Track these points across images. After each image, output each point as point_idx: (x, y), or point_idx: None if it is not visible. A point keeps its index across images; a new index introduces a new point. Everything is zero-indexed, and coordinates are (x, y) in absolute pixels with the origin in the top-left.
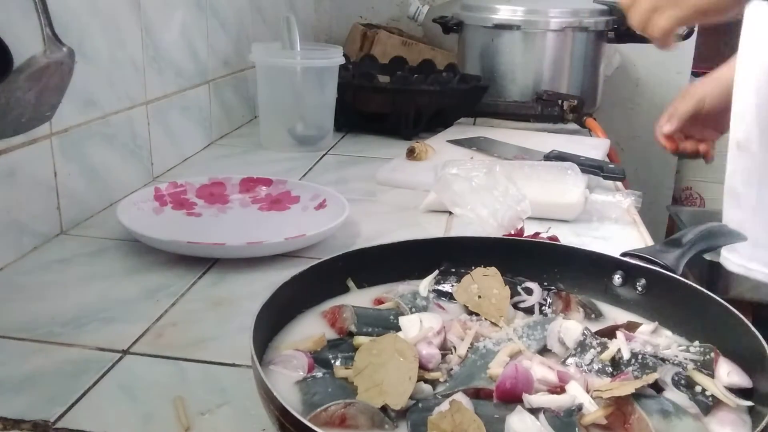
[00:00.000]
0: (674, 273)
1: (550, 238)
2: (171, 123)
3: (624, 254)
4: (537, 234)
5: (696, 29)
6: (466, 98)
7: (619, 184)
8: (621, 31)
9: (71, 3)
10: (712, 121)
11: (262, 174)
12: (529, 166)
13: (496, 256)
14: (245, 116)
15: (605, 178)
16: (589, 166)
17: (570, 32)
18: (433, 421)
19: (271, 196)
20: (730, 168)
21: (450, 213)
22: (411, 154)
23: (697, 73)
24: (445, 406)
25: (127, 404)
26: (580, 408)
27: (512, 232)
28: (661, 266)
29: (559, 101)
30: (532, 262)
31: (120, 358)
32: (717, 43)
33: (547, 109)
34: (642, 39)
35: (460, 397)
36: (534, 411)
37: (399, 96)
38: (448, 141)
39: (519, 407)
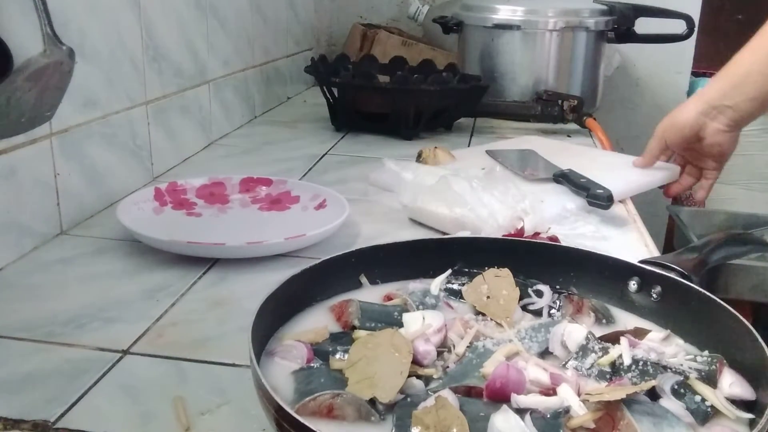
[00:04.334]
0: (692, 281)
1: (550, 238)
2: (171, 123)
3: (642, 261)
4: (537, 234)
5: (696, 29)
6: (466, 98)
7: None
8: (621, 31)
9: (71, 3)
10: (699, 150)
11: (262, 174)
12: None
13: (511, 258)
14: (245, 116)
15: (589, 203)
16: (580, 188)
17: (570, 32)
18: (417, 415)
19: (271, 196)
20: None
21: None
22: (419, 157)
23: (696, 73)
24: (431, 401)
25: (127, 404)
26: (567, 411)
27: (512, 232)
28: (679, 273)
29: (559, 101)
30: (548, 265)
31: (120, 358)
32: (717, 43)
33: (547, 109)
34: (643, 39)
35: (446, 394)
36: (522, 411)
37: (399, 96)
38: (487, 150)
39: (505, 406)
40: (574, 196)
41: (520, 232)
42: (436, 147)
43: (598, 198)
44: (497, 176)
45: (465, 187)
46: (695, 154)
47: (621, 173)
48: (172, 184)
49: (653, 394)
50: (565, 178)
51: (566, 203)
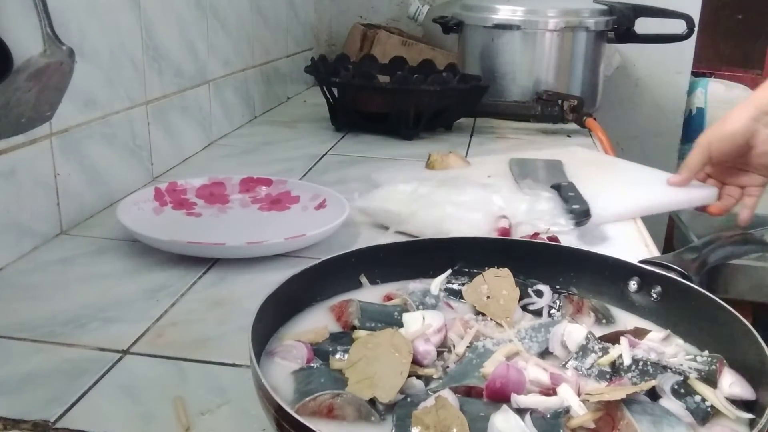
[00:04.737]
0: (692, 281)
1: (549, 238)
2: (171, 123)
3: (642, 261)
4: (536, 234)
5: (696, 29)
6: (466, 98)
7: None
8: (621, 31)
9: (71, 3)
10: (744, 164)
11: (262, 174)
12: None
13: (511, 258)
14: (245, 116)
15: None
16: (565, 201)
17: (570, 32)
18: (417, 415)
19: (271, 196)
20: None
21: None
22: (428, 161)
23: (696, 73)
24: (431, 401)
25: (127, 404)
26: (567, 411)
27: (498, 231)
28: (679, 273)
29: (559, 101)
30: (548, 265)
31: (120, 358)
32: (717, 43)
33: (547, 109)
34: (643, 39)
35: (446, 394)
36: (522, 411)
37: (399, 96)
38: (513, 158)
39: (505, 406)
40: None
41: (507, 230)
42: (450, 152)
43: (571, 213)
44: (459, 183)
45: (438, 213)
46: (735, 171)
47: (644, 191)
48: (172, 184)
49: (653, 394)
50: (558, 191)
51: (540, 203)
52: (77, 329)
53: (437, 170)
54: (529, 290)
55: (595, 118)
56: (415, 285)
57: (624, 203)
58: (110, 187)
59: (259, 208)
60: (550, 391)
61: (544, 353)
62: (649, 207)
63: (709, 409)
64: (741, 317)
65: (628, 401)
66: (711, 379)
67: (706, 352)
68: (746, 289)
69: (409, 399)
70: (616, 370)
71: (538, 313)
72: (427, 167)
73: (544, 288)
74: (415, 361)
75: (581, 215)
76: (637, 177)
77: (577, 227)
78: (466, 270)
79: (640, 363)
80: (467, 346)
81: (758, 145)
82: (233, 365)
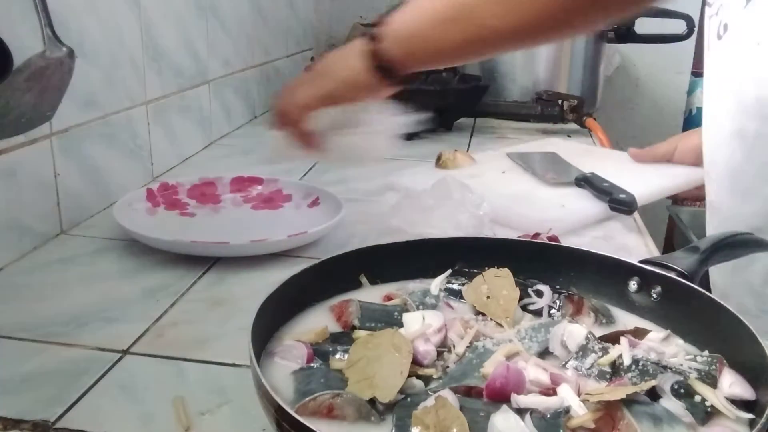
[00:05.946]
0: (691, 281)
1: (549, 237)
2: (171, 123)
3: (642, 261)
4: (537, 234)
5: (696, 29)
6: (466, 98)
7: None
8: (621, 31)
9: (71, 3)
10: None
11: (263, 174)
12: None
13: (511, 258)
14: (245, 116)
15: (611, 208)
16: (603, 192)
17: None
18: (417, 415)
19: (263, 194)
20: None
21: None
22: (438, 160)
23: (697, 73)
24: (431, 401)
25: (127, 404)
26: (567, 411)
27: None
28: (679, 273)
29: (559, 101)
30: (548, 264)
31: (120, 358)
32: None
33: (547, 109)
34: (643, 39)
35: (446, 394)
36: (522, 411)
37: (398, 96)
38: (508, 153)
39: (505, 406)
40: (596, 200)
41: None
42: (456, 150)
43: (620, 203)
44: (449, 185)
45: (417, 210)
46: None
47: (645, 177)
48: (163, 185)
49: (653, 394)
50: (587, 182)
51: (588, 209)
52: (77, 329)
53: (450, 169)
54: (529, 290)
55: (595, 118)
56: (415, 285)
57: (641, 189)
58: (110, 187)
59: (252, 206)
60: (550, 391)
61: (544, 353)
62: (652, 194)
63: (709, 409)
64: (741, 317)
65: (628, 401)
66: (711, 379)
67: (706, 352)
68: None
69: (409, 399)
70: (616, 370)
71: (538, 313)
72: (439, 166)
73: (544, 288)
74: (415, 361)
75: (631, 205)
76: (631, 165)
77: (627, 215)
78: (466, 270)
79: (640, 363)
80: (467, 346)
81: None
82: (233, 365)
